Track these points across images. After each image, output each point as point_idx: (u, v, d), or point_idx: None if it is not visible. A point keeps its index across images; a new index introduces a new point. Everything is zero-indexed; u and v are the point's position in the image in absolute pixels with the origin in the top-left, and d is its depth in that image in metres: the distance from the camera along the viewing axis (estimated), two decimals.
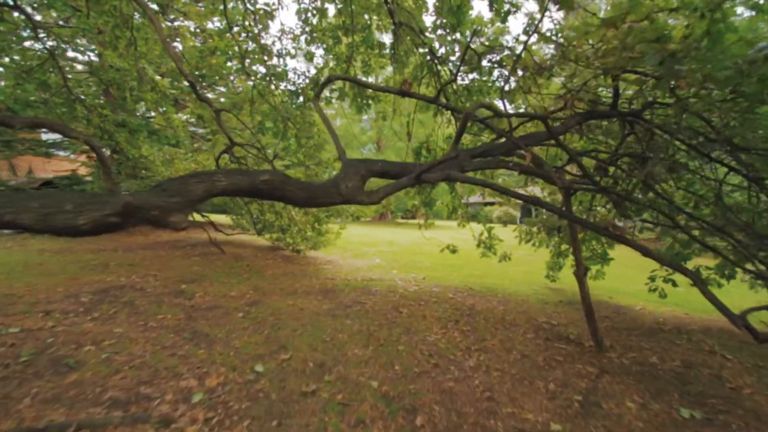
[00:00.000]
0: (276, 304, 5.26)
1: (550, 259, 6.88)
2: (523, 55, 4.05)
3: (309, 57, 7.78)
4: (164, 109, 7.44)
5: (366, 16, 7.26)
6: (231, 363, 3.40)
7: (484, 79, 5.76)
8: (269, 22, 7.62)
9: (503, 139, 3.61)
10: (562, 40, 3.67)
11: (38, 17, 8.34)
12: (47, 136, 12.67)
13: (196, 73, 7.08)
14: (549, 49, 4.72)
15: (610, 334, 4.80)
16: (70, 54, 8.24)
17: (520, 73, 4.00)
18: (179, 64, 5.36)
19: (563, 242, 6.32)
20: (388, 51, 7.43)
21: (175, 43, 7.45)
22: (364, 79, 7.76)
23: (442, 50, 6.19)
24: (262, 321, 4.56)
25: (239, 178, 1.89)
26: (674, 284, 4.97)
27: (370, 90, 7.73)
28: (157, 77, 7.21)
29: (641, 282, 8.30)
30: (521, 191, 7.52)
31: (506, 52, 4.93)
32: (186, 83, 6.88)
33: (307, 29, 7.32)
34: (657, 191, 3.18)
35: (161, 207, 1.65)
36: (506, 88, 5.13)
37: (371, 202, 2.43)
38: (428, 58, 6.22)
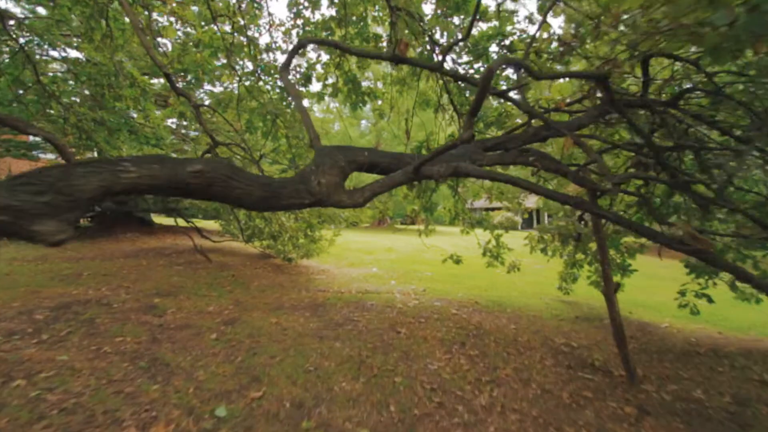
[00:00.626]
0: (256, 323, 4.62)
1: (563, 269, 6.25)
2: (538, 35, 3.48)
3: (302, 52, 7.22)
4: (143, 105, 6.86)
5: (361, 8, 6.69)
6: (188, 403, 2.76)
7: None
8: (257, 13, 7.06)
9: (520, 130, 3.01)
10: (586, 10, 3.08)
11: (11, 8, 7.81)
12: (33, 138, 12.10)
13: (178, 66, 6.50)
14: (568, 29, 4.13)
15: (639, 358, 4.15)
16: (50, 50, 7.69)
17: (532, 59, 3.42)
18: (151, 52, 4.79)
19: (578, 251, 5.69)
20: (385, 45, 6.89)
21: (161, 39, 6.88)
22: (358, 74, 7.17)
23: (444, 40, 5.63)
24: (236, 344, 3.92)
25: (156, 168, 1.29)
26: (710, 300, 4.35)
27: (365, 85, 7.17)
28: (136, 71, 6.65)
29: (663, 294, 7.70)
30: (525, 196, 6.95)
31: (517, 34, 4.36)
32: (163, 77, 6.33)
33: (300, 22, 6.77)
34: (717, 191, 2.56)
35: (15, 210, 1.04)
36: (515, 77, 4.57)
37: (354, 204, 1.82)
38: (428, 47, 5.65)
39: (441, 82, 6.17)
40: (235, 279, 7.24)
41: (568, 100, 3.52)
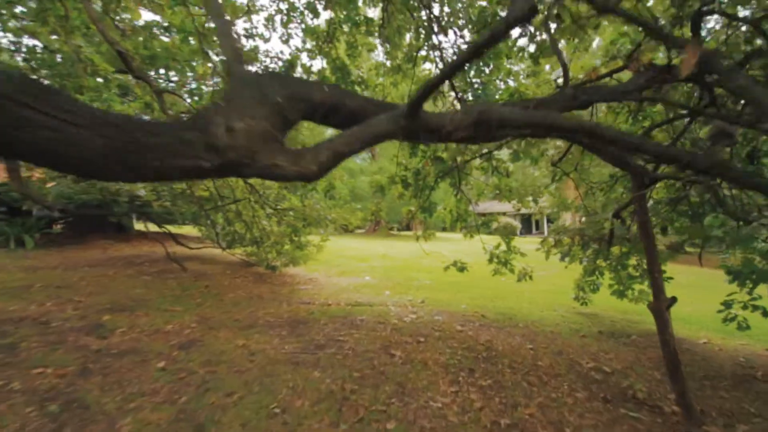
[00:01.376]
0: (219, 346, 3.79)
1: (580, 277, 5.49)
2: None
3: (285, 39, 6.52)
4: (104, 96, 6.08)
5: None
6: None
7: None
8: None
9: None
10: None
11: None
12: None
13: (145, 53, 5.74)
14: None
15: (688, 385, 3.37)
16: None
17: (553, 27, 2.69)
18: (100, 26, 4.05)
19: (599, 257, 4.93)
20: (377, 29, 6.19)
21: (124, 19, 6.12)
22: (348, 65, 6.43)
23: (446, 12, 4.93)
24: (187, 376, 3.09)
25: None
26: (766, 313, 3.61)
27: (355, 74, 6.46)
28: (97, 57, 5.87)
29: (693, 304, 6.96)
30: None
31: None
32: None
33: (284, 6, 6.05)
34: None
35: None
36: (532, 48, 3.86)
37: (302, 174, 1.04)
38: (426, 22, 4.94)
39: (441, 65, 5.48)
40: (207, 290, 6.39)
41: (602, 71, 2.79)
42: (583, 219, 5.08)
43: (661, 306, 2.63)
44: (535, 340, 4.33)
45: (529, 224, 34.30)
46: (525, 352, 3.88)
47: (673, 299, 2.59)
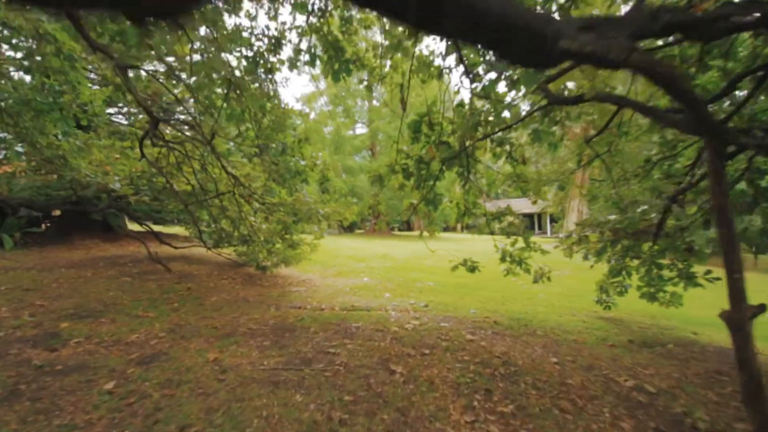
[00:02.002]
0: (187, 360, 3.19)
1: (605, 278, 4.88)
2: None
3: (272, 15, 5.91)
4: (70, 77, 5.50)
5: None
6: None
7: None
8: None
9: None
10: None
11: None
12: None
13: (113, 28, 5.13)
14: None
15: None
16: None
17: None
18: None
19: (628, 254, 4.32)
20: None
21: None
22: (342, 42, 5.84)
23: None
24: (137, 402, 2.49)
25: None
26: None
27: (351, 51, 5.85)
28: (64, 35, 5.29)
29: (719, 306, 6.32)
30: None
31: None
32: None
33: None
34: None
35: None
36: None
37: None
38: None
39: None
40: (189, 293, 5.79)
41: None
42: (602, 215, 4.49)
43: (742, 315, 2.02)
44: (558, 351, 3.72)
45: (531, 223, 33.65)
46: (550, 368, 3.26)
47: (761, 307, 1.98)
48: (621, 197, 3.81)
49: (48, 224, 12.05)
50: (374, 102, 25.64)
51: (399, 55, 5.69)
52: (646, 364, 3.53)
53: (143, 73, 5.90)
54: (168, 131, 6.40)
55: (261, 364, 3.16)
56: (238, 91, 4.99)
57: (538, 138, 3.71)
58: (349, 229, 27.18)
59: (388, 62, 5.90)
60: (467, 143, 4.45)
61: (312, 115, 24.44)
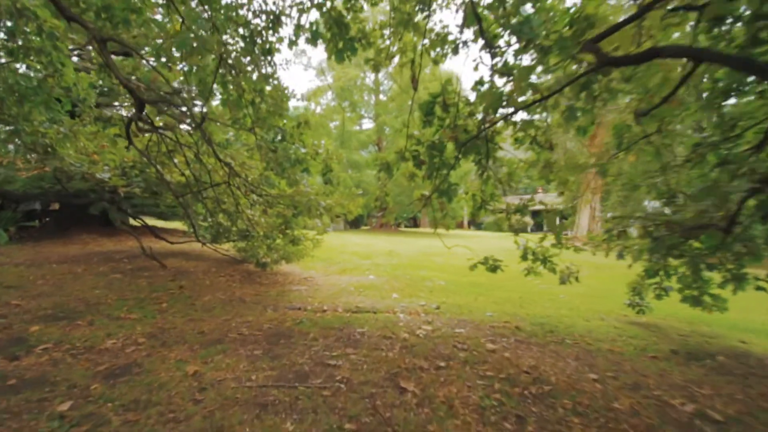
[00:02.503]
0: (163, 374, 2.74)
1: (640, 279, 4.35)
2: None
3: None
4: (53, 58, 5.07)
5: None
6: None
7: None
8: None
9: None
10: None
11: None
12: None
13: (99, 3, 4.67)
14: None
15: None
16: None
17: None
18: None
19: (671, 253, 3.76)
20: None
21: None
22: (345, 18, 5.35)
23: None
24: (91, 431, 2.04)
25: None
26: None
27: (356, 28, 5.34)
28: (46, 12, 4.84)
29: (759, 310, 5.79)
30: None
31: None
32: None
33: None
34: None
35: None
36: None
37: None
38: None
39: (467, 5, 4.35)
40: (180, 292, 5.36)
41: None
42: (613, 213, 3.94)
43: None
44: (595, 364, 3.20)
45: (541, 222, 32.84)
46: (589, 386, 2.75)
47: None
48: (669, 186, 3.26)
49: (46, 218, 11.77)
50: (381, 96, 25.08)
51: (410, 32, 5.18)
52: (700, 382, 3.00)
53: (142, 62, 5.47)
54: (159, 117, 5.96)
55: (248, 379, 2.69)
56: (233, 72, 4.51)
57: (573, 117, 3.17)
58: (355, 224, 26.73)
59: (395, 47, 5.39)
60: (486, 125, 3.94)
61: (318, 110, 23.99)
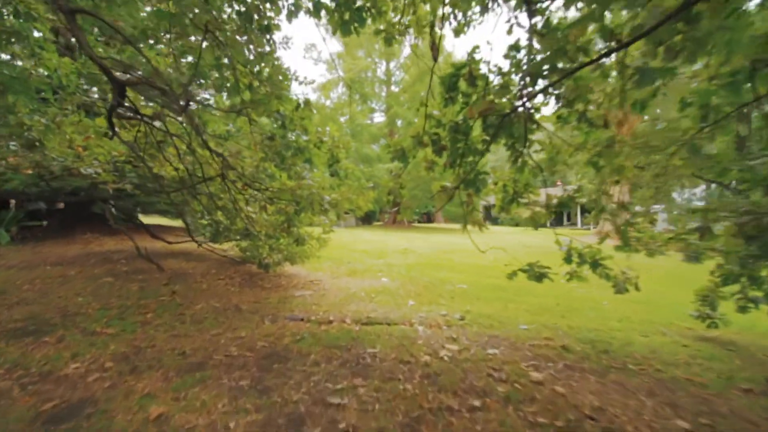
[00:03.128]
0: (119, 417, 2.13)
1: (713, 285, 3.55)
2: None
3: None
4: (30, 40, 4.54)
5: None
6: None
7: None
8: None
9: None
10: None
11: None
12: None
13: None
14: None
15: None
16: None
17: None
18: None
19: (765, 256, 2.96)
20: None
21: None
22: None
23: None
24: None
25: None
26: None
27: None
28: None
29: None
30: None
31: None
32: None
33: None
34: None
35: None
36: None
37: None
38: None
39: None
40: (172, 299, 4.81)
41: None
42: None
43: None
44: (677, 403, 2.45)
45: (560, 216, 31.43)
46: None
47: None
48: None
49: (51, 218, 11.50)
50: (393, 88, 24.25)
51: None
52: None
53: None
54: (150, 105, 5.40)
55: (225, 427, 2.06)
56: (228, 56, 3.88)
57: (650, 78, 2.39)
58: (367, 220, 26.10)
59: (409, 17, 4.65)
60: (522, 102, 3.23)
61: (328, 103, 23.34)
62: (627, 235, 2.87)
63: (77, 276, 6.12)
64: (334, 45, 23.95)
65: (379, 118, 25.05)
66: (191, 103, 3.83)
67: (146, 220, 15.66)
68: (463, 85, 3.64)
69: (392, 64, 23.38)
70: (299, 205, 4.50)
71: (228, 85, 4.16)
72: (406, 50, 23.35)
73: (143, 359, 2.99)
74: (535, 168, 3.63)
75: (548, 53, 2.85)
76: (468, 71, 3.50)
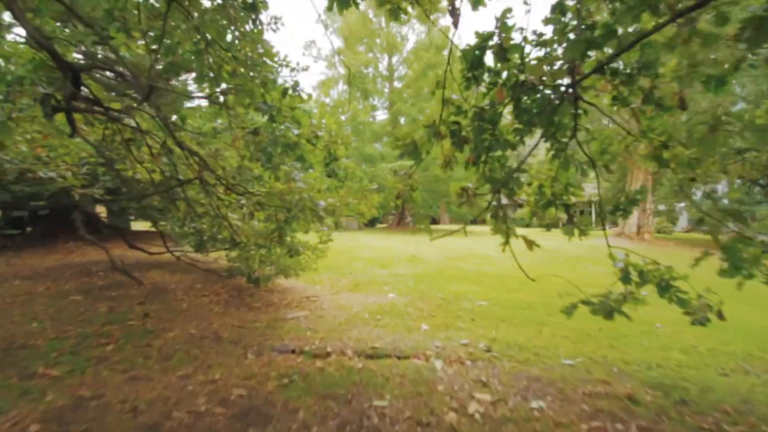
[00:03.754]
0: None
1: None
2: None
3: None
4: None
5: None
6: None
7: None
8: None
9: None
10: None
11: None
12: None
13: None
14: None
15: None
16: None
17: None
18: None
19: None
20: None
21: None
22: None
23: None
24: None
25: None
26: None
27: None
28: None
29: None
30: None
31: None
32: None
33: None
34: None
35: None
36: None
37: None
38: None
39: None
40: (143, 323, 4.09)
41: None
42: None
43: None
44: None
45: (571, 215, 30.52)
46: None
47: None
48: None
49: (34, 225, 10.85)
50: (395, 84, 23.48)
51: None
52: None
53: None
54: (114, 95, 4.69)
55: None
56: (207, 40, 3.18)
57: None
58: (370, 222, 25.34)
59: None
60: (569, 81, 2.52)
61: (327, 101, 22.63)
62: (738, 253, 2.09)
63: (44, 293, 5.42)
64: (334, 41, 23.26)
65: (381, 116, 24.34)
66: (154, 90, 3.10)
67: (141, 226, 15.00)
68: (490, 60, 2.89)
69: (395, 59, 22.63)
70: (290, 212, 3.76)
71: (211, 74, 3.44)
72: (410, 44, 22.65)
73: (81, 418, 2.26)
74: (584, 163, 2.88)
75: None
76: (498, 42, 2.75)
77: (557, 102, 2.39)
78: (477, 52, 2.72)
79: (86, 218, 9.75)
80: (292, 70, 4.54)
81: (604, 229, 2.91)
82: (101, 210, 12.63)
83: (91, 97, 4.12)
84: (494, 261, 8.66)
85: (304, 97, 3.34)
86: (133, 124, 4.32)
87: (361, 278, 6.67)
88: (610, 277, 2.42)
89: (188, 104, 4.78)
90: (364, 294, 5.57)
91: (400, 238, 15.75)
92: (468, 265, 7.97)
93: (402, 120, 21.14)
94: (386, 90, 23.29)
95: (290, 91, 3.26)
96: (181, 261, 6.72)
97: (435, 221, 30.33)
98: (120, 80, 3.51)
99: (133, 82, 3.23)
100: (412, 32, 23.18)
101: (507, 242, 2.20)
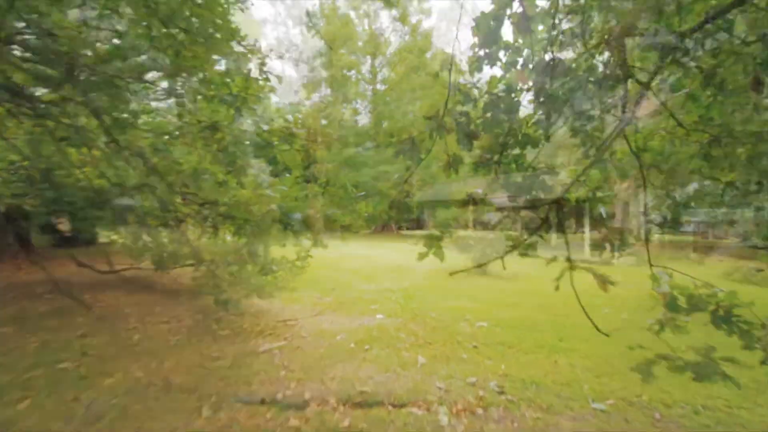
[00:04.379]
0: None
1: None
2: None
3: None
4: None
5: None
6: None
7: None
8: None
9: None
10: None
11: None
12: None
13: None
14: None
15: None
16: None
17: None
18: None
19: None
20: None
21: None
22: None
23: None
24: None
25: None
26: None
27: None
28: None
29: None
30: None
31: None
32: None
33: None
34: None
35: None
36: None
37: None
38: None
39: None
40: (78, 365, 3.30)
41: None
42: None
43: None
44: None
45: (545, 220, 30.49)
46: None
47: None
48: None
49: None
50: (378, 86, 22.96)
51: None
52: None
53: None
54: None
55: None
56: None
57: None
58: (350, 227, 24.57)
59: None
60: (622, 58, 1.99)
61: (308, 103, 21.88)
62: None
63: None
64: (316, 43, 22.53)
65: (363, 120, 23.72)
66: (77, 67, 2.39)
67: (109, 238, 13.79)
68: (508, 34, 2.35)
69: (378, 61, 22.08)
70: (259, 226, 3.08)
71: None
72: (393, 47, 22.17)
73: None
74: (622, 162, 2.36)
75: None
76: (519, 11, 2.20)
77: (610, 83, 1.84)
78: (492, 22, 2.16)
79: (21, 230, 8.65)
80: (261, 60, 3.85)
81: (647, 242, 2.38)
82: (60, 220, 11.50)
83: (15, 88, 3.37)
84: (483, 270, 8.15)
85: (274, 83, 2.69)
86: (67, 121, 3.56)
87: (345, 296, 5.99)
88: (633, 295, 1.86)
89: (143, 100, 4.03)
90: (348, 316, 4.90)
91: (384, 245, 15.10)
92: (462, 280, 7.39)
93: (384, 124, 20.60)
94: (369, 93, 22.73)
95: (258, 74, 2.61)
96: (147, 277, 5.86)
97: (419, 225, 29.84)
98: (41, 58, 2.76)
99: (53, 58, 2.51)
100: (395, 34, 22.79)
101: (561, 277, 1.59)
